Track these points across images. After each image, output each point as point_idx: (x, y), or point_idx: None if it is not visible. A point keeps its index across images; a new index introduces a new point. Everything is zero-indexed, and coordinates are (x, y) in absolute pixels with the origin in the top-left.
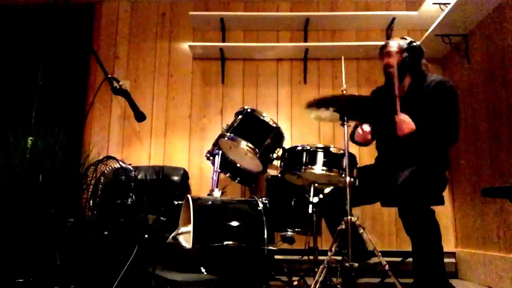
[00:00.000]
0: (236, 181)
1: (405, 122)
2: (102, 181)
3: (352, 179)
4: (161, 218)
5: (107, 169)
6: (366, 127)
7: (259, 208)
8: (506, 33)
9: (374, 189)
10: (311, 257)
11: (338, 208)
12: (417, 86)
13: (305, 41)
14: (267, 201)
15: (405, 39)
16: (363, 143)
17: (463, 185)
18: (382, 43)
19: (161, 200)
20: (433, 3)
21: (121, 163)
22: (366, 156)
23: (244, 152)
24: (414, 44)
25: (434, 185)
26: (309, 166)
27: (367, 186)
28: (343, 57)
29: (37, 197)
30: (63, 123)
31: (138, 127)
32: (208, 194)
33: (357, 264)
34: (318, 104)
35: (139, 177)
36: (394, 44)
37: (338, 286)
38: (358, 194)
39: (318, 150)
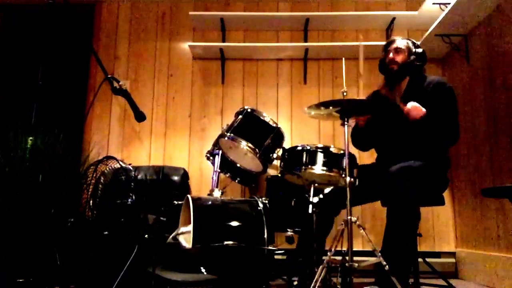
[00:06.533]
0: (236, 181)
1: (416, 108)
2: (102, 181)
3: (352, 179)
4: (161, 218)
5: (107, 169)
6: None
7: (259, 208)
8: (506, 33)
9: (374, 187)
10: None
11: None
12: (416, 87)
13: (305, 41)
14: (267, 201)
15: (412, 41)
16: (363, 140)
17: (463, 185)
18: (383, 43)
19: (161, 200)
20: (433, 3)
21: (121, 163)
22: (366, 156)
23: (244, 152)
24: (421, 49)
25: (428, 184)
26: (309, 166)
27: (368, 183)
28: (343, 58)
29: (37, 197)
30: (63, 123)
31: (138, 127)
32: (208, 194)
33: (357, 264)
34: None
35: (139, 177)
36: (403, 43)
37: (338, 286)
38: (359, 191)
39: (318, 150)
